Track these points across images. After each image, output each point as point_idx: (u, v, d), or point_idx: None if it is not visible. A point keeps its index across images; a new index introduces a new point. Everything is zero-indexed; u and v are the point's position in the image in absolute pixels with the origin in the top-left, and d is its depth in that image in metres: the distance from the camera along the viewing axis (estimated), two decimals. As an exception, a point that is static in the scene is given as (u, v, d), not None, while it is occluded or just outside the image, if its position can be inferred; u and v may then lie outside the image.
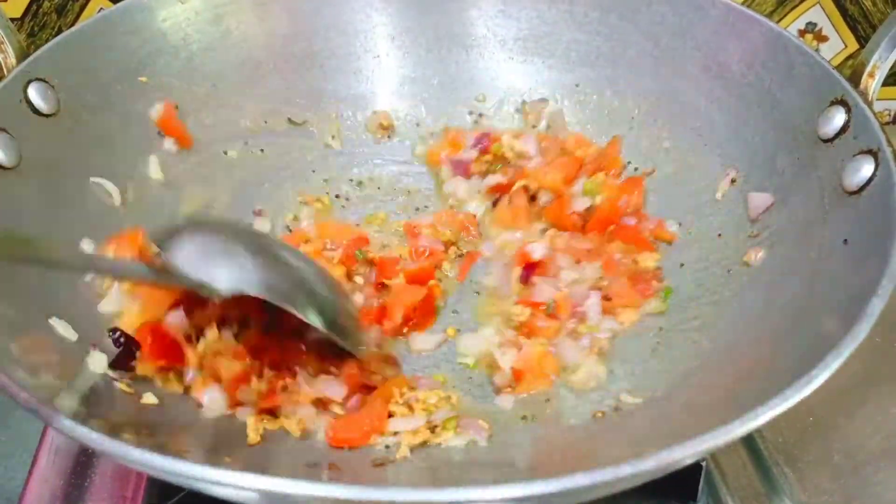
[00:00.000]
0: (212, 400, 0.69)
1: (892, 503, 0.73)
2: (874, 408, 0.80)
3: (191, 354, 0.70)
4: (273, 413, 0.70)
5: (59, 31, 1.05)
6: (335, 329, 0.70)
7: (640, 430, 0.66)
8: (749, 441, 0.77)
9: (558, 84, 0.98)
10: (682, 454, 0.48)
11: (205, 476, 0.45)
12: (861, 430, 0.78)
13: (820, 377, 0.52)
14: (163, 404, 0.68)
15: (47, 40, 1.03)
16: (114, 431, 0.52)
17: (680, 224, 0.86)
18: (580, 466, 0.45)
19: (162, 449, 0.47)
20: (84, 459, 0.75)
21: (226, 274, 0.66)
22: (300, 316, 0.67)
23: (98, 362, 0.68)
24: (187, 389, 0.70)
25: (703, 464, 0.72)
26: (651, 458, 0.47)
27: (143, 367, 0.70)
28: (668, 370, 0.73)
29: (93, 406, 0.63)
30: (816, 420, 0.79)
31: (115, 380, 0.67)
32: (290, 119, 0.97)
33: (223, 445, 0.66)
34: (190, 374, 0.70)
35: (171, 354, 0.70)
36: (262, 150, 0.95)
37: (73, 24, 1.06)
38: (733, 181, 0.84)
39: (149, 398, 0.68)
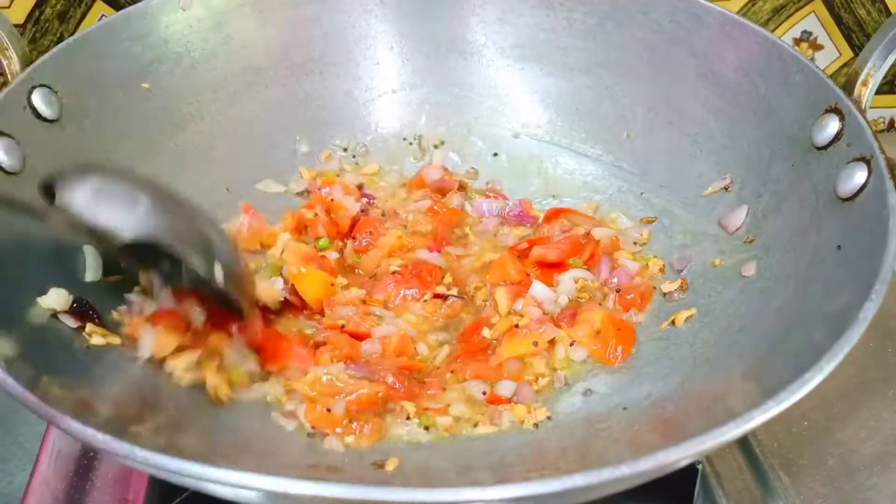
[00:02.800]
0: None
1: (886, 507, 0.73)
2: (868, 413, 0.81)
3: None
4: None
5: (61, 38, 1.06)
6: (232, 283, 0.67)
7: (641, 431, 0.66)
8: (744, 445, 0.78)
9: (555, 91, 0.99)
10: (679, 455, 0.48)
11: (207, 475, 0.46)
12: (855, 436, 0.79)
13: (814, 380, 0.53)
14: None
15: (49, 47, 1.04)
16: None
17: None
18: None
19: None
20: (85, 463, 0.76)
21: (132, 219, 0.61)
22: (198, 266, 0.64)
23: (55, 299, 0.69)
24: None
25: (699, 467, 0.72)
26: (648, 459, 0.47)
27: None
28: (665, 374, 0.74)
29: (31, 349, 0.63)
30: (811, 425, 0.80)
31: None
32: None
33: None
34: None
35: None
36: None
37: (74, 31, 1.07)
38: (726, 188, 0.85)
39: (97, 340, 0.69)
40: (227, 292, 0.67)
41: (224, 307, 0.70)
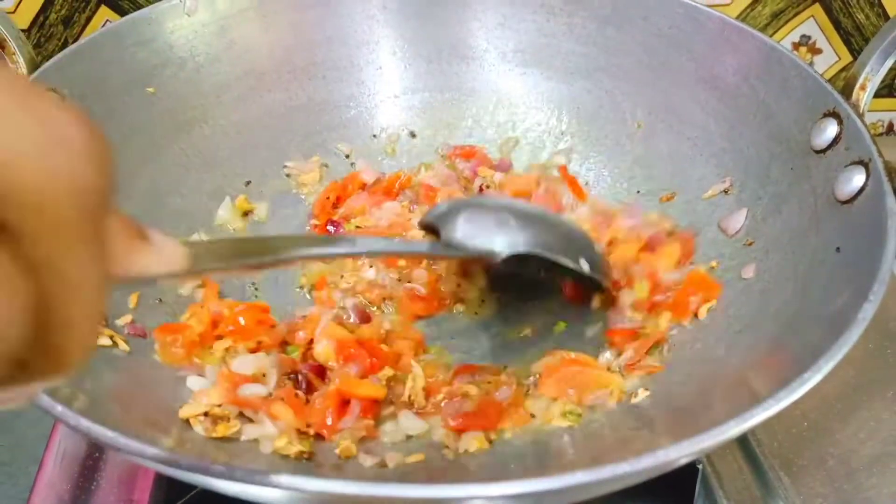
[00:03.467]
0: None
1: (885, 507, 0.74)
2: (867, 413, 0.82)
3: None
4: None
5: (66, 43, 1.06)
6: (596, 270, 0.79)
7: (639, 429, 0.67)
8: (745, 445, 0.78)
9: (556, 95, 1.00)
10: (679, 453, 0.49)
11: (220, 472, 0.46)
12: (855, 436, 0.80)
13: (812, 380, 0.53)
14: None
15: (53, 51, 1.05)
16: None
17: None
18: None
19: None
20: (91, 463, 0.76)
21: (502, 239, 0.74)
22: (572, 266, 0.76)
23: None
24: None
25: (700, 467, 0.73)
26: (649, 457, 0.48)
27: None
28: (663, 372, 0.74)
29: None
30: (811, 425, 0.80)
31: None
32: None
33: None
34: None
35: None
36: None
37: (79, 36, 1.07)
38: (726, 191, 0.86)
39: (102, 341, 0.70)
40: (593, 276, 0.79)
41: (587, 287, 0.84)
